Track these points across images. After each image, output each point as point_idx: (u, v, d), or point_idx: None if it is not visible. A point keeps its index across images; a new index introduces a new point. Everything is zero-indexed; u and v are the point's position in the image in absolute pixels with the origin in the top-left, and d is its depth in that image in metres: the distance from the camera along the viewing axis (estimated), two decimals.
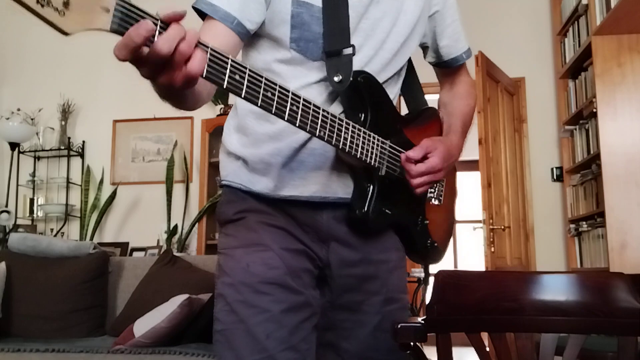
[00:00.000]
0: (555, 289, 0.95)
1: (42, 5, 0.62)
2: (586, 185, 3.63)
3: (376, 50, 1.12)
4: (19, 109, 4.27)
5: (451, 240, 1.36)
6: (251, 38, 1.10)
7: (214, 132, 4.19)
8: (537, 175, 4.04)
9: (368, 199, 1.08)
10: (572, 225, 3.81)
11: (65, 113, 4.49)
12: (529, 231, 3.97)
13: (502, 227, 3.70)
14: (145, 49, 0.71)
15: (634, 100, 3.29)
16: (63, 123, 4.48)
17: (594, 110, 3.35)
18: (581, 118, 3.69)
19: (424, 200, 1.23)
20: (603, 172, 3.25)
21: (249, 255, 1.08)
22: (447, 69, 1.33)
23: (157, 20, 0.71)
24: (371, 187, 1.09)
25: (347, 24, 1.05)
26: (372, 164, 1.07)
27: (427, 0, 1.20)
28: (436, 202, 1.26)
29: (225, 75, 0.79)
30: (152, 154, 4.46)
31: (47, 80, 4.62)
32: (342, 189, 1.11)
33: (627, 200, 3.20)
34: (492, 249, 3.57)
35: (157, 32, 0.71)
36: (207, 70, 0.77)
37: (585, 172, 3.62)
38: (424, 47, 1.30)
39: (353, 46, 1.05)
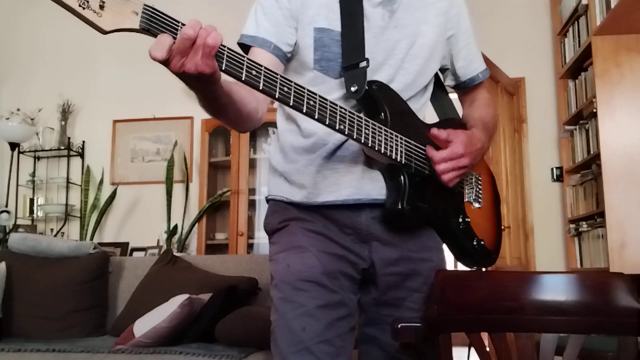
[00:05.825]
0: (555, 289, 0.95)
1: (83, 8, 0.75)
2: (586, 185, 3.63)
3: (396, 69, 1.21)
4: (18, 109, 4.27)
5: None
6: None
7: (214, 132, 4.18)
8: (536, 175, 4.03)
9: (401, 194, 1.13)
10: (572, 225, 3.80)
11: (65, 113, 4.49)
12: (528, 231, 3.97)
13: (502, 227, 3.69)
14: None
15: (634, 100, 3.29)
16: (63, 123, 4.48)
17: (594, 110, 3.35)
18: (581, 118, 3.69)
19: (461, 198, 1.26)
20: (603, 172, 3.24)
21: (290, 256, 1.19)
22: (466, 89, 1.41)
23: (178, 23, 0.83)
24: (403, 183, 1.13)
25: (362, 42, 1.17)
26: (400, 160, 1.12)
27: (443, 25, 1.29)
28: (477, 205, 1.30)
29: (242, 69, 0.89)
30: (151, 154, 4.46)
31: (47, 81, 4.62)
32: (375, 190, 1.18)
33: (627, 200, 3.19)
34: None
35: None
36: (225, 64, 0.87)
37: (585, 172, 3.62)
38: (444, 70, 1.37)
39: (367, 59, 1.15)
